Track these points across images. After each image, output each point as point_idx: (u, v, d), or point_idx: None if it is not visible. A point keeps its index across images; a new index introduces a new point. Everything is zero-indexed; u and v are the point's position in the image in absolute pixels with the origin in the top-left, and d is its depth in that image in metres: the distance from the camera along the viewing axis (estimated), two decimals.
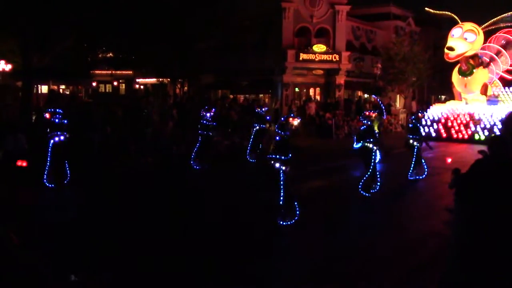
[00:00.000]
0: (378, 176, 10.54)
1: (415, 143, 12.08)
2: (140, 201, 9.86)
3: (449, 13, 23.01)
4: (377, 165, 10.70)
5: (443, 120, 22.90)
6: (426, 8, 25.01)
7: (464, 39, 21.76)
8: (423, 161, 12.43)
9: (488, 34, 24.25)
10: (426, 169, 12.41)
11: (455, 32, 22.21)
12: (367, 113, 10.60)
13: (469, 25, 22.03)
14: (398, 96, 36.78)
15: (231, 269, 6.36)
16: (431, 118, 23.25)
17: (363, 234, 8.10)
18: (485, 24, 22.30)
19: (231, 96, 32.27)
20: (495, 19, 22.37)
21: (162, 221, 8.50)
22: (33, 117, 17.36)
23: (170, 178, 12.43)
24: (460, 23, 22.29)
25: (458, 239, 5.03)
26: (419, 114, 13.50)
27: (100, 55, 34.13)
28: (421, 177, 12.33)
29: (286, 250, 7.30)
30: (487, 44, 23.93)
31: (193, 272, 6.23)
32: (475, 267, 4.72)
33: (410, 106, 33.02)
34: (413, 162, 12.17)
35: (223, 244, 7.26)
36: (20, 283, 4.13)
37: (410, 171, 12.25)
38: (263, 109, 15.63)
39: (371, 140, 10.22)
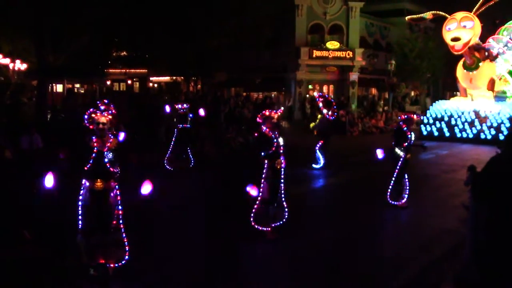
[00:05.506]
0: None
1: (400, 154, 9.13)
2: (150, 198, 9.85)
3: (435, 11, 22.04)
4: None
5: (446, 118, 21.40)
6: (407, 17, 23.99)
7: (463, 27, 20.41)
8: (406, 179, 9.41)
9: (497, 26, 23.48)
10: (407, 188, 9.40)
11: (451, 25, 20.88)
12: (266, 112, 7.40)
13: (461, 14, 20.75)
14: (412, 92, 36.49)
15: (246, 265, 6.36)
16: (433, 116, 21.92)
17: (376, 231, 8.04)
18: (475, 8, 20.76)
19: (244, 94, 32.34)
20: None
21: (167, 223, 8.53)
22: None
23: (182, 176, 12.44)
24: (449, 16, 21.13)
25: (473, 237, 4.96)
26: (410, 116, 9.66)
27: (114, 54, 34.39)
28: (401, 201, 9.38)
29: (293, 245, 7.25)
30: (495, 36, 22.70)
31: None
32: (490, 266, 4.66)
33: (424, 103, 32.70)
34: (393, 179, 9.26)
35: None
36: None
37: (389, 191, 9.33)
38: (184, 105, 12.76)
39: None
